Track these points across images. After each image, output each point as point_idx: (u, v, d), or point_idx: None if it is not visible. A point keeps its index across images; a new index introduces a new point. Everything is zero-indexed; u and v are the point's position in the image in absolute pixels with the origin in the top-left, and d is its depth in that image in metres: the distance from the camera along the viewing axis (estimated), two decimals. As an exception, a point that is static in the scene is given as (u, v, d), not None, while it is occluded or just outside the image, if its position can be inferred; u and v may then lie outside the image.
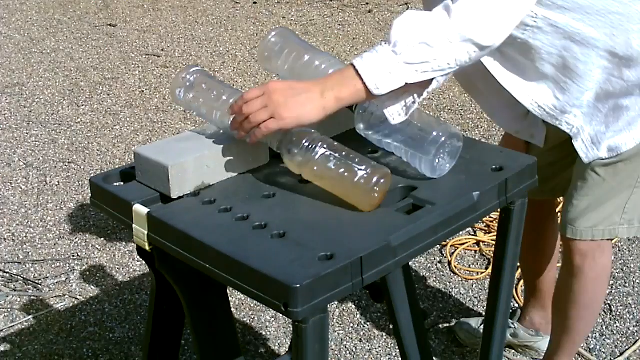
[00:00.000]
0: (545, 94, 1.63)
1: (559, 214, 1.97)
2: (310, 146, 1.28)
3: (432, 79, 1.30)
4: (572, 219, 1.77)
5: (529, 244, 2.10)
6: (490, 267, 2.27)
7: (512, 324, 2.19)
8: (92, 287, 2.57)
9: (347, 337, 2.31)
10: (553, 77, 1.59)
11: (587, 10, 1.50)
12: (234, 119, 1.32)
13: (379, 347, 2.27)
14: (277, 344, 2.29)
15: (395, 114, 1.32)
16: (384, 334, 2.32)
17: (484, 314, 1.96)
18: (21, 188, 3.22)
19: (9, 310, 2.45)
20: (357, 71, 1.26)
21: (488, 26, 1.29)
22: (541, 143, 1.82)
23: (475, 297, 2.49)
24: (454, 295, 2.50)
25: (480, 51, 1.30)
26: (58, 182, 3.26)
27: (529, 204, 1.95)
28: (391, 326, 2.02)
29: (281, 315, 1.77)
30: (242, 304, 2.46)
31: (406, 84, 1.28)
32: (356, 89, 1.27)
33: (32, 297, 2.51)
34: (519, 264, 2.56)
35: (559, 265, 2.03)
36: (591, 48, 1.54)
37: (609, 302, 2.43)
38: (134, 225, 1.31)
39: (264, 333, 2.33)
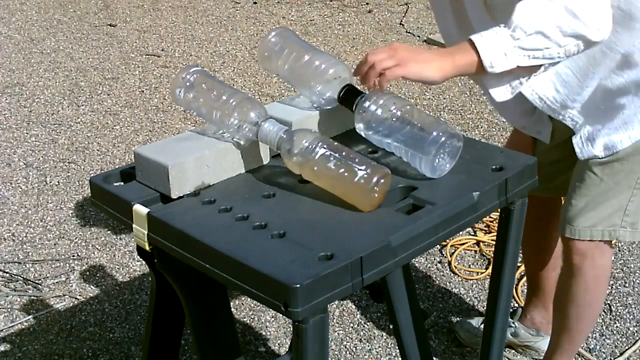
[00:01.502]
0: (547, 86, 1.64)
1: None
2: (310, 146, 1.28)
3: (541, 65, 1.40)
4: (570, 217, 1.77)
5: (532, 242, 2.10)
6: (490, 267, 2.27)
7: (513, 323, 2.19)
8: (92, 287, 2.57)
9: (347, 337, 2.31)
10: (555, 69, 1.60)
11: None
12: (359, 68, 1.39)
13: (379, 347, 2.27)
14: (277, 344, 2.29)
15: (500, 93, 1.43)
16: (384, 334, 2.32)
17: (484, 313, 1.96)
18: (21, 188, 3.22)
19: (9, 310, 2.45)
20: (475, 46, 1.35)
21: (600, 24, 1.38)
22: (547, 139, 1.83)
23: (475, 297, 2.49)
24: (454, 295, 2.50)
25: (587, 46, 1.40)
26: (58, 182, 3.26)
27: (533, 202, 1.96)
28: (391, 326, 2.02)
29: (281, 315, 1.77)
30: (242, 304, 2.46)
31: (517, 66, 1.37)
32: (472, 60, 1.36)
33: (32, 297, 2.51)
34: (522, 263, 2.57)
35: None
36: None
37: (609, 302, 2.43)
38: (134, 225, 1.31)
39: (264, 333, 2.33)
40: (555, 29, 1.36)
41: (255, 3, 5.89)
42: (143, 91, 4.25)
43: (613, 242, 1.85)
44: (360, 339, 2.30)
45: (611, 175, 1.70)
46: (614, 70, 1.60)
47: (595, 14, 1.39)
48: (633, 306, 2.42)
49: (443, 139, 1.33)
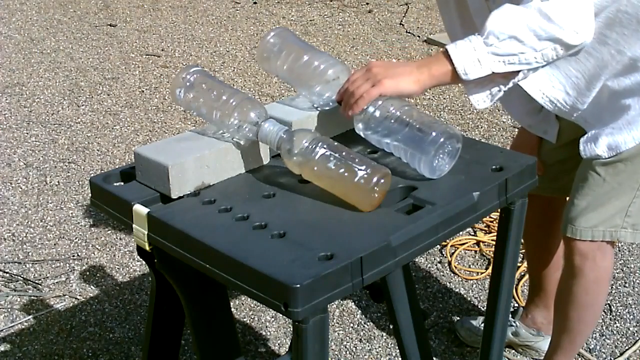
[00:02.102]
0: (557, 89, 1.64)
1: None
2: (310, 146, 1.28)
3: (519, 71, 1.39)
4: (572, 217, 1.77)
5: (536, 242, 2.10)
6: (490, 267, 2.27)
7: (514, 322, 2.19)
8: (92, 287, 2.57)
9: (347, 337, 2.31)
10: (565, 71, 1.60)
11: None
12: (340, 96, 1.43)
13: (379, 347, 2.27)
14: (277, 344, 2.29)
15: (480, 100, 1.43)
16: (384, 334, 2.32)
17: (484, 313, 1.96)
18: (21, 188, 3.22)
19: (9, 310, 2.45)
20: (448, 55, 1.36)
21: (577, 27, 1.36)
22: (553, 139, 1.84)
23: (475, 297, 2.49)
24: (454, 295, 2.50)
25: (567, 50, 1.38)
26: (58, 182, 3.26)
27: (537, 201, 1.97)
28: (391, 326, 2.02)
29: (281, 315, 1.77)
30: (242, 304, 2.46)
31: (493, 73, 1.37)
32: (447, 69, 1.37)
33: (32, 297, 2.51)
34: (524, 263, 2.57)
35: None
36: (603, 44, 1.55)
37: (609, 302, 2.43)
38: (134, 225, 1.31)
39: (264, 333, 2.33)
40: (529, 32, 1.35)
41: (255, 3, 5.89)
42: (143, 91, 4.25)
43: (615, 243, 1.85)
44: (360, 339, 2.30)
45: (614, 175, 1.70)
46: (621, 73, 1.60)
47: (572, 16, 1.36)
48: (633, 306, 2.42)
49: (442, 139, 1.33)
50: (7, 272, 2.63)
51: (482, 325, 1.78)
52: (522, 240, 2.38)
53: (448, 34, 1.84)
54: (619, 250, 2.69)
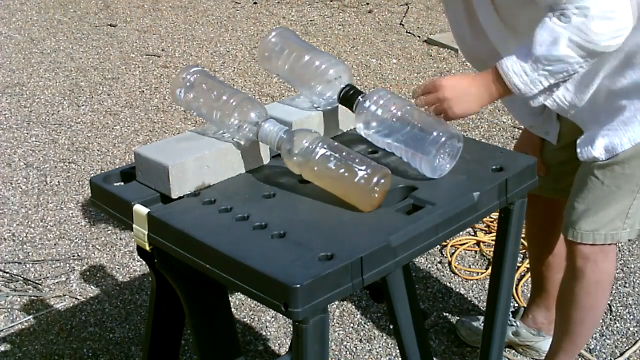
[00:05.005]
0: (556, 84, 1.64)
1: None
2: (310, 146, 1.28)
3: None
4: (572, 221, 1.77)
5: (538, 243, 2.10)
6: (490, 267, 2.27)
7: (515, 322, 2.19)
8: (92, 287, 2.57)
9: (347, 337, 2.31)
10: None
11: None
12: (418, 94, 1.57)
13: (379, 347, 2.27)
14: (277, 344, 2.29)
15: (535, 101, 1.61)
16: (384, 334, 2.32)
17: (484, 313, 1.96)
18: (21, 188, 3.22)
19: (9, 310, 2.45)
20: (502, 78, 1.50)
21: (614, 36, 1.45)
22: (554, 140, 1.84)
23: (475, 297, 2.49)
24: (454, 295, 2.50)
25: (606, 52, 1.50)
26: (58, 182, 3.26)
27: (540, 202, 1.97)
28: (391, 326, 2.02)
29: (281, 315, 1.77)
30: (242, 304, 2.46)
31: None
32: (504, 89, 1.52)
33: (32, 297, 2.51)
34: (524, 263, 2.57)
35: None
36: None
37: (609, 302, 2.43)
38: (134, 225, 1.31)
39: (264, 333, 2.33)
40: (574, 53, 1.45)
41: (255, 3, 5.89)
42: (143, 91, 4.25)
43: (616, 244, 1.85)
44: (360, 339, 2.30)
45: (612, 178, 1.70)
46: (617, 70, 1.60)
47: (609, 29, 1.43)
48: (633, 306, 2.42)
49: (443, 139, 1.34)
50: (7, 272, 2.63)
51: (482, 325, 1.78)
52: (524, 241, 2.39)
53: (456, 41, 1.84)
54: (619, 250, 2.69)
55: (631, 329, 2.33)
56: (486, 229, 2.86)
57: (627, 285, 2.53)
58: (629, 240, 1.86)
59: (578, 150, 1.69)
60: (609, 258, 1.82)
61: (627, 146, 1.65)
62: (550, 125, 1.83)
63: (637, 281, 2.55)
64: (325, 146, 1.28)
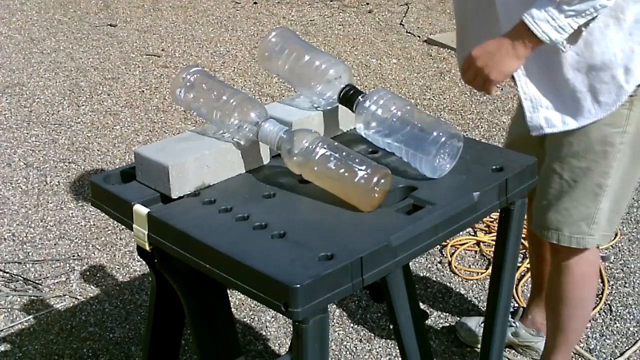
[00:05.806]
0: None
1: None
2: (310, 146, 1.28)
3: None
4: (537, 217, 1.80)
5: (536, 243, 2.10)
6: (490, 267, 2.27)
7: (514, 323, 2.19)
8: (92, 287, 2.57)
9: (347, 337, 2.31)
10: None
11: None
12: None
13: (379, 347, 2.27)
14: (277, 344, 2.29)
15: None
16: (384, 334, 2.32)
17: (484, 313, 1.96)
18: (21, 188, 3.22)
19: (9, 310, 2.45)
20: (531, 31, 1.49)
21: None
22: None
23: (475, 298, 2.49)
24: (454, 295, 2.50)
25: None
26: (58, 182, 3.27)
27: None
28: (391, 326, 2.02)
29: (281, 315, 1.77)
30: (242, 304, 2.46)
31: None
32: (534, 40, 1.50)
33: (32, 297, 2.51)
34: (523, 263, 2.57)
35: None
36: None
37: (609, 302, 2.44)
38: (134, 225, 1.31)
39: (264, 333, 2.34)
40: None
41: (255, 3, 5.89)
42: (143, 91, 4.25)
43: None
44: (360, 339, 2.30)
45: (569, 171, 1.72)
46: (570, 41, 1.59)
47: None
48: (633, 306, 2.42)
49: (443, 139, 1.33)
50: (7, 272, 2.63)
51: (482, 325, 1.79)
52: (524, 241, 2.39)
53: (456, 14, 1.85)
54: (619, 251, 2.69)
55: (631, 329, 2.33)
56: (486, 229, 2.86)
57: (627, 285, 2.53)
58: (598, 247, 1.85)
59: (527, 114, 1.69)
60: (593, 250, 1.82)
61: (560, 128, 1.66)
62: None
63: (637, 281, 2.55)
64: (325, 146, 1.28)
